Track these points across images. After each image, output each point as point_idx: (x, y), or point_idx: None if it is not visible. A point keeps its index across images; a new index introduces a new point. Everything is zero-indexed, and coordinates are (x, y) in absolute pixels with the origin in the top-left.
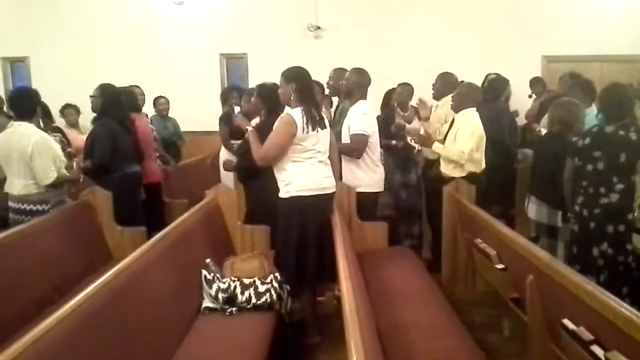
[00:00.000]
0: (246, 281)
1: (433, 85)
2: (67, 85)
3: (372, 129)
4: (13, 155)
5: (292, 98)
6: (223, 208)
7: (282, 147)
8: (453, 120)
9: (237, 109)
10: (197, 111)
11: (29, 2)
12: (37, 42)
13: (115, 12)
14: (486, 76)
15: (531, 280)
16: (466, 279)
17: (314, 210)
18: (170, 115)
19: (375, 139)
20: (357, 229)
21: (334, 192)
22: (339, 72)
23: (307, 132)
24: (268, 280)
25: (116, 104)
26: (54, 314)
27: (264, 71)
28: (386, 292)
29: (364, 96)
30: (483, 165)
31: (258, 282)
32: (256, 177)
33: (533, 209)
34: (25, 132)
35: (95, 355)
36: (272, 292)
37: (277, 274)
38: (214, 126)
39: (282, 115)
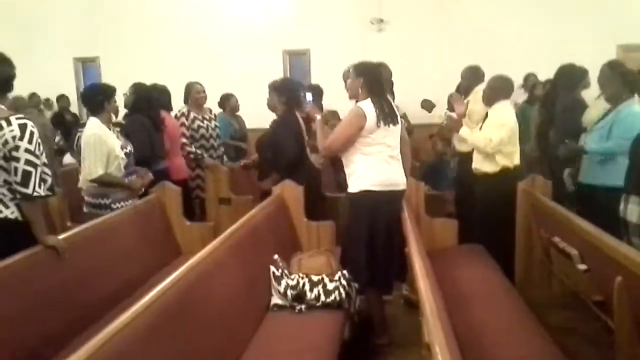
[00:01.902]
0: (314, 278)
1: (461, 78)
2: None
3: None
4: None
5: (360, 92)
6: (289, 204)
7: (349, 139)
8: (486, 115)
9: (308, 96)
10: (261, 108)
11: (99, 3)
12: (106, 43)
13: (180, 11)
14: (561, 66)
15: (619, 282)
16: (541, 280)
17: (384, 207)
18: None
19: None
20: (426, 226)
21: (404, 189)
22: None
23: (378, 125)
24: (336, 277)
25: (147, 101)
26: (129, 309)
27: (326, 66)
28: (459, 292)
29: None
30: (517, 161)
31: (326, 280)
32: (290, 175)
33: (635, 210)
34: (87, 127)
35: (169, 350)
36: (341, 289)
37: (344, 272)
38: None
39: (353, 107)
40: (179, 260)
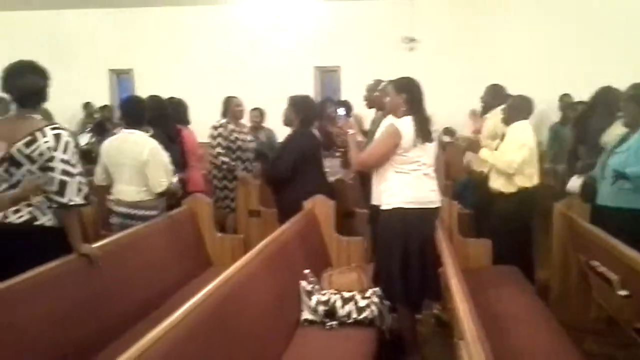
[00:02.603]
0: (346, 294)
1: (481, 97)
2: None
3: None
4: (126, 163)
5: (401, 108)
6: (320, 219)
7: (384, 156)
8: (504, 135)
9: (340, 111)
10: None
11: (134, 17)
12: (140, 55)
13: (213, 27)
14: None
15: None
16: (577, 304)
17: (418, 225)
18: (266, 126)
19: None
20: (460, 246)
21: (439, 207)
22: (373, 85)
23: (414, 144)
24: (368, 294)
25: (161, 115)
26: (164, 321)
27: (357, 84)
28: (495, 314)
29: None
30: (536, 181)
31: (358, 297)
32: (286, 183)
33: None
34: (138, 140)
35: None
36: (373, 307)
37: (376, 289)
38: None
39: (388, 123)
40: (209, 272)
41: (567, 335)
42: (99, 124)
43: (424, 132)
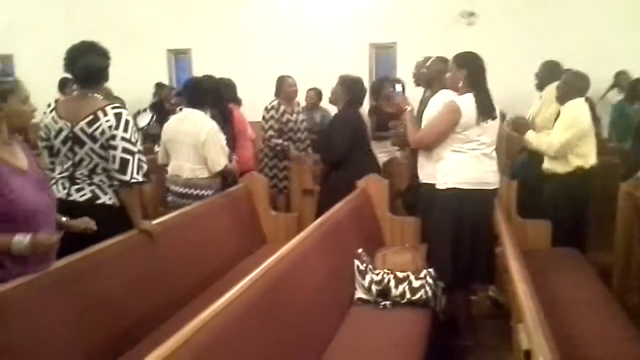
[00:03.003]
0: (400, 275)
1: (536, 74)
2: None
3: None
4: (185, 140)
5: (460, 84)
6: (373, 198)
7: (442, 134)
8: (559, 113)
9: (398, 87)
10: None
11: None
12: (198, 35)
13: (269, 5)
14: None
15: None
16: None
17: (473, 206)
18: (322, 106)
19: None
20: (518, 227)
21: (497, 189)
22: (422, 61)
23: (475, 122)
24: (422, 275)
25: (216, 94)
26: (221, 298)
27: (413, 60)
28: (554, 298)
29: (444, 86)
30: (592, 161)
31: (412, 277)
32: (337, 167)
33: None
34: (197, 120)
35: (259, 339)
36: (427, 288)
37: (430, 270)
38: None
39: (447, 100)
40: (264, 249)
41: (629, 321)
42: (157, 104)
43: (485, 109)
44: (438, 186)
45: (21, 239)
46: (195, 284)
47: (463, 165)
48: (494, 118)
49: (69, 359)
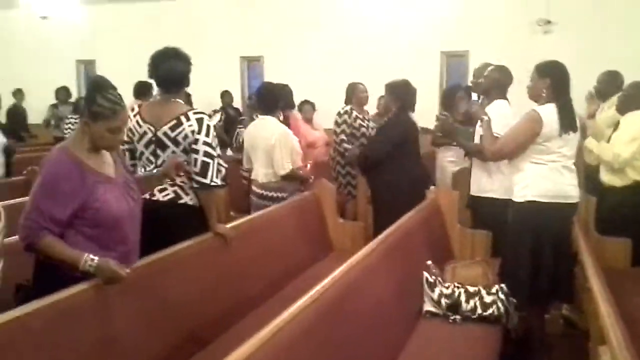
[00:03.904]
0: (471, 289)
1: (595, 85)
2: (299, 83)
3: None
4: (259, 146)
5: (543, 94)
6: (443, 209)
7: (521, 145)
8: (618, 124)
9: (474, 96)
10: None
11: (264, 4)
12: (269, 43)
13: (339, 13)
14: None
15: None
16: None
17: (552, 220)
18: None
19: None
20: (596, 244)
21: (577, 203)
22: (481, 68)
23: (557, 133)
24: (494, 290)
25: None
26: (292, 306)
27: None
28: (634, 320)
29: (502, 95)
30: None
31: (483, 292)
32: (378, 168)
33: None
34: (269, 125)
35: (327, 350)
36: (499, 304)
37: (502, 285)
38: (428, 125)
39: (528, 111)
40: (331, 257)
41: None
42: (221, 110)
43: (567, 120)
44: (515, 199)
45: (89, 261)
46: (264, 289)
47: (543, 178)
48: (575, 130)
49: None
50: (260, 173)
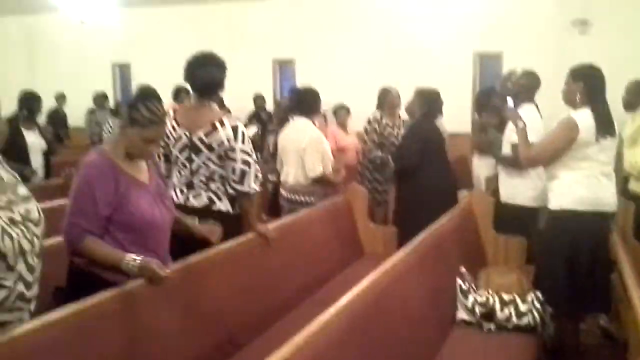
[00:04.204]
0: (505, 297)
1: (624, 95)
2: (331, 85)
3: (537, 137)
4: (291, 148)
5: (577, 98)
6: (477, 214)
7: (557, 152)
8: None
9: (510, 101)
10: (452, 112)
11: (297, 6)
12: (301, 46)
13: (372, 15)
14: None
15: None
16: None
17: (588, 229)
18: None
19: None
20: (634, 252)
21: (614, 211)
22: (507, 74)
23: (593, 139)
24: (529, 298)
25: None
26: (324, 313)
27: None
28: None
29: (530, 99)
30: None
31: (518, 300)
32: (411, 175)
33: None
34: (302, 127)
35: (361, 355)
36: (534, 312)
37: (538, 293)
38: (460, 128)
39: (564, 116)
40: (362, 261)
41: None
42: (253, 114)
43: (604, 125)
44: (551, 207)
45: (131, 261)
46: (296, 293)
47: (579, 185)
48: (612, 135)
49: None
50: (291, 175)
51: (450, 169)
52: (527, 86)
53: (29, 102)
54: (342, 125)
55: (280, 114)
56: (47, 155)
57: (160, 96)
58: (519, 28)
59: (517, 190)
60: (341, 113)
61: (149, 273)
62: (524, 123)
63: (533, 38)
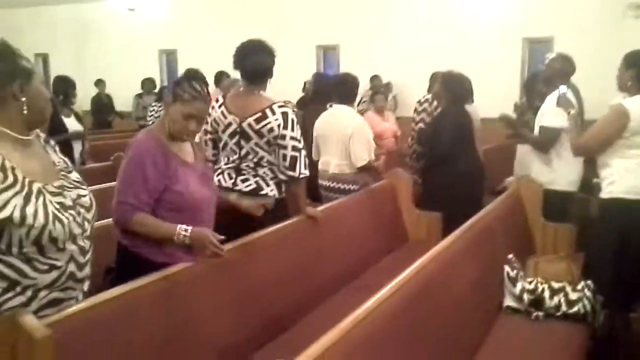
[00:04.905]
0: (555, 285)
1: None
2: (375, 71)
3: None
4: (332, 136)
5: (628, 85)
6: (525, 201)
7: (607, 140)
8: None
9: (562, 88)
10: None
11: None
12: (346, 31)
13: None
14: None
15: None
16: None
17: (639, 218)
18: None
19: None
20: None
21: None
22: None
23: None
24: (579, 287)
25: (327, 93)
26: (370, 299)
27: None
28: None
29: (565, 84)
30: None
31: (569, 289)
32: (438, 166)
33: None
34: (345, 115)
35: (408, 340)
36: (585, 301)
37: (589, 282)
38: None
39: (614, 103)
40: (406, 247)
41: None
42: (301, 100)
43: None
44: (601, 195)
45: (183, 231)
46: (341, 277)
47: (631, 174)
48: None
49: (221, 342)
50: (333, 164)
51: (478, 156)
52: (561, 70)
53: (64, 86)
54: (379, 110)
55: (307, 98)
56: (83, 140)
57: (207, 82)
58: (570, 12)
59: (554, 175)
60: (378, 98)
61: (203, 241)
62: (576, 110)
63: (585, 22)
